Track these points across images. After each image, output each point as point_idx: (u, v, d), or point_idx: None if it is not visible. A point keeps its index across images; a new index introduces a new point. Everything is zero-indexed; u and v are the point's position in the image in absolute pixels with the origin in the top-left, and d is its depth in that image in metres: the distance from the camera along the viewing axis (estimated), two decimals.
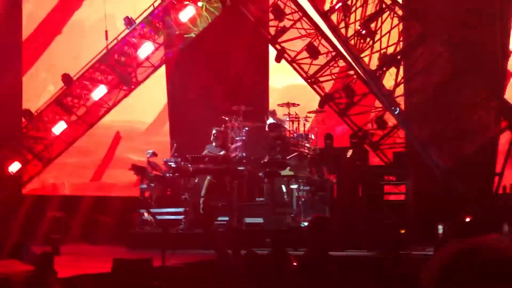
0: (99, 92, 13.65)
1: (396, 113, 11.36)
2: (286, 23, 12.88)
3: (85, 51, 13.92)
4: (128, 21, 13.42)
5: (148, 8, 13.55)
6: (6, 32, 13.86)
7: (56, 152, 13.77)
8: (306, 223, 10.58)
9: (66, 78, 13.34)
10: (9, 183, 13.06)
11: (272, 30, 13.15)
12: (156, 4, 13.58)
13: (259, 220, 10.92)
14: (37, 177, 13.85)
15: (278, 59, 13.03)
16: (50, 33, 14.61)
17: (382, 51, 11.37)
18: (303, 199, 10.94)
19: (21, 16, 14.14)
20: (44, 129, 13.62)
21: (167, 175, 11.80)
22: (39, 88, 14.45)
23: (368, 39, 11.48)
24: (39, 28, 14.56)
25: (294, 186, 11.09)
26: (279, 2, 12.84)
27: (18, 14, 14.03)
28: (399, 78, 11.23)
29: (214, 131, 11.53)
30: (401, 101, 11.52)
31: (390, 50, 11.32)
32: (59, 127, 13.56)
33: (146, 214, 11.25)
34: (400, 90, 11.43)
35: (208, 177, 11.18)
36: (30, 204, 12.48)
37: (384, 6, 11.45)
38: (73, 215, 12.75)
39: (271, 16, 12.95)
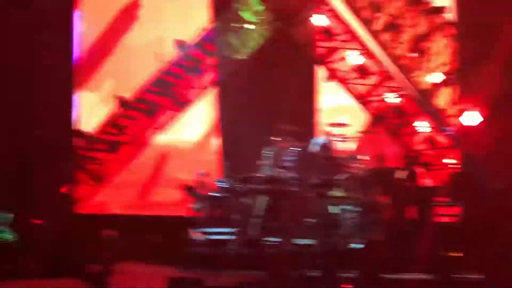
0: (152, 113, 13.90)
1: (449, 133, 11.18)
2: (336, 43, 12.89)
3: (137, 73, 14.20)
4: (180, 44, 13.67)
5: (199, 31, 13.77)
6: (60, 53, 14.26)
7: (108, 172, 14.03)
8: (357, 245, 10.46)
9: (119, 99, 13.65)
10: (63, 202, 13.36)
11: (321, 51, 13.18)
12: (206, 27, 13.81)
13: (310, 241, 10.83)
14: (89, 197, 14.11)
15: (327, 79, 13.03)
16: (102, 54, 14.97)
17: (434, 71, 11.25)
18: (354, 221, 10.81)
19: (73, 37, 14.52)
20: (97, 149, 13.92)
21: (218, 195, 11.85)
22: (92, 109, 14.78)
23: (419, 59, 11.39)
24: (91, 49, 14.95)
25: (345, 208, 10.98)
26: (329, 23, 12.87)
27: (70, 35, 14.41)
28: (452, 97, 11.07)
29: (265, 152, 11.56)
30: (454, 121, 11.35)
31: (443, 69, 11.19)
32: (112, 148, 13.84)
33: (197, 234, 11.30)
34: (453, 110, 11.27)
35: (264, 198, 11.10)
36: (83, 224, 12.71)
37: (436, 25, 11.35)
38: (125, 234, 12.91)
39: (320, 36, 12.98)
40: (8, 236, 10.69)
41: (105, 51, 15.02)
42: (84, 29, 14.93)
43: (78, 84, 14.61)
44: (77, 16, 14.59)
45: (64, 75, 14.18)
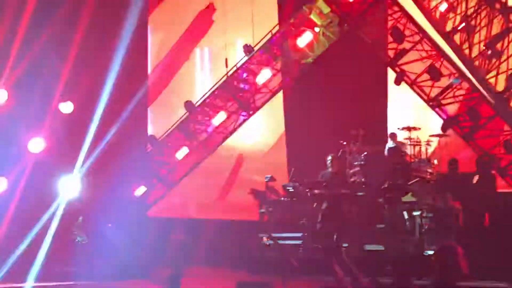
0: (219, 118, 14.04)
1: None
2: (406, 45, 12.62)
3: (208, 77, 14.40)
4: (247, 49, 13.74)
5: (267, 35, 13.80)
6: (134, 61, 14.62)
7: (178, 176, 14.28)
8: (429, 252, 10.21)
9: (188, 105, 13.85)
10: (135, 206, 13.67)
11: (391, 53, 12.93)
12: (274, 31, 13.82)
13: (380, 247, 10.65)
14: (161, 200, 14.39)
15: (397, 82, 12.77)
16: (179, 60, 15.26)
17: (509, 72, 10.84)
18: (426, 227, 10.56)
19: (147, 46, 14.88)
20: (168, 154, 14.17)
21: (285, 199, 11.84)
22: (167, 113, 15.07)
23: (494, 60, 11.00)
24: (168, 54, 15.26)
25: (416, 213, 10.74)
26: (398, 24, 12.62)
27: (144, 45, 14.79)
28: None
29: (329, 158, 11.45)
30: None
31: None
32: (181, 152, 14.07)
33: (265, 239, 11.33)
34: None
35: (325, 203, 11.04)
36: (155, 227, 12.96)
37: (511, 25, 10.94)
38: (196, 237, 13.08)
39: (390, 38, 12.74)
40: (79, 237, 11.04)
41: (180, 58, 15.32)
42: (163, 36, 15.26)
43: (152, 91, 14.99)
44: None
45: (139, 83, 14.56)
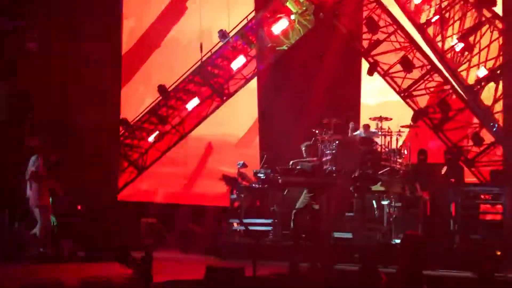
0: (192, 103, 14.00)
1: (494, 129, 10.96)
2: (380, 36, 12.74)
3: (181, 64, 14.32)
4: (222, 34, 13.70)
5: (242, 21, 13.78)
6: (107, 46, 14.49)
7: (150, 160, 14.22)
8: (397, 240, 10.37)
9: (162, 89, 13.78)
10: (106, 189, 13.59)
11: (365, 43, 13.04)
12: (249, 18, 13.80)
13: (348, 235, 10.79)
14: (131, 184, 14.32)
15: (370, 72, 12.90)
16: (149, 47, 15.15)
17: (480, 65, 11.02)
18: (394, 216, 10.71)
19: (121, 31, 14.75)
20: (140, 138, 14.10)
21: (257, 186, 11.89)
22: (137, 99, 14.99)
23: (466, 53, 11.17)
24: (139, 42, 15.14)
25: (385, 202, 10.88)
26: (373, 15, 12.72)
27: (118, 30, 14.66)
28: (498, 93, 10.84)
29: (303, 147, 11.51)
30: (499, 117, 11.11)
31: (489, 64, 10.96)
32: (153, 136, 14.00)
33: (235, 224, 11.38)
34: (499, 106, 11.04)
35: (305, 191, 11.07)
36: (125, 210, 12.92)
37: (483, 19, 11.11)
38: (166, 222, 13.08)
39: (364, 29, 12.84)
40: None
41: (153, 44, 15.21)
42: (134, 24, 15.14)
43: (125, 75, 14.86)
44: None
45: (112, 66, 14.44)
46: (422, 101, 12.98)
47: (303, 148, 11.50)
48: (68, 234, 10.20)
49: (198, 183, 14.73)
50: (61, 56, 13.15)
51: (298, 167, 11.28)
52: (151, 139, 14.01)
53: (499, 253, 10.40)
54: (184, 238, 12.58)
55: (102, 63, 14.06)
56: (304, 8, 13.54)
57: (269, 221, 11.21)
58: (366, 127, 12.07)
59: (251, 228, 10.99)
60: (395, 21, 12.65)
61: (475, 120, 12.38)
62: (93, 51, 13.88)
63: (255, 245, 7.34)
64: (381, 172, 11.21)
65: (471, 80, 11.15)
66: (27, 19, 12.70)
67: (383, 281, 6.06)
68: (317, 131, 12.14)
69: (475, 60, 11.08)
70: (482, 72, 10.86)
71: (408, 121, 12.42)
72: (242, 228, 10.95)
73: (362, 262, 7.92)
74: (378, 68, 12.86)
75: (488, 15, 11.12)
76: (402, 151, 11.92)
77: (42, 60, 12.69)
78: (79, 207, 11.71)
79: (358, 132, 12.21)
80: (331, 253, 8.28)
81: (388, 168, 11.29)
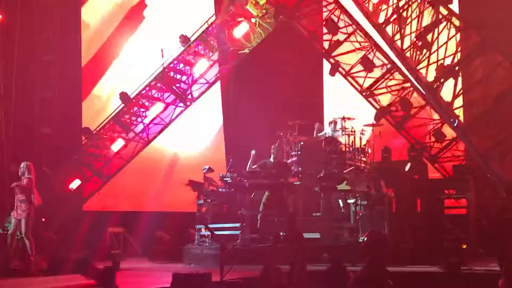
0: (155, 109, 13.88)
1: (455, 125, 11.10)
2: (340, 36, 12.83)
3: (141, 72, 14.21)
4: (183, 39, 13.63)
5: (203, 25, 13.73)
6: (67, 56, 14.34)
7: (114, 169, 14.04)
8: (364, 238, 10.43)
9: (123, 96, 13.61)
10: (70, 199, 13.39)
11: (326, 44, 13.12)
12: (210, 22, 13.76)
13: (316, 235, 10.82)
14: (97, 194, 14.13)
15: (332, 73, 12.98)
16: (109, 58, 15.03)
17: (439, 63, 11.17)
18: (360, 214, 10.79)
19: (81, 42, 14.60)
20: (103, 147, 13.91)
21: (223, 190, 11.85)
22: (98, 108, 14.83)
23: (424, 51, 11.30)
24: (98, 53, 15.00)
25: (351, 201, 10.96)
26: (332, 16, 12.80)
27: (77, 40, 14.52)
28: (458, 89, 10.99)
29: (273, 148, 11.61)
30: (460, 112, 11.27)
31: (448, 61, 11.10)
32: (117, 145, 13.84)
33: (203, 230, 11.31)
34: (458, 101, 11.19)
35: (267, 193, 11.16)
36: (91, 220, 12.74)
37: (440, 16, 11.26)
38: (132, 230, 12.95)
39: (324, 30, 12.92)
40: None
41: (112, 53, 15.07)
42: (92, 35, 14.99)
43: (86, 85, 14.69)
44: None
45: (73, 77, 14.28)
46: (384, 100, 13.12)
47: (273, 150, 11.58)
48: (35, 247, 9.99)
49: (165, 191, 14.61)
50: (21, 66, 12.97)
51: (259, 163, 11.32)
52: (114, 147, 13.83)
53: (464, 246, 10.57)
54: (152, 245, 12.46)
55: (63, 73, 13.92)
56: (265, 11, 13.56)
57: (237, 225, 11.17)
58: (334, 123, 12.11)
59: (219, 232, 10.93)
60: (354, 21, 12.76)
61: (436, 117, 12.54)
62: (54, 62, 13.73)
63: (221, 250, 7.30)
64: (346, 171, 11.28)
65: (430, 77, 11.29)
66: None
67: (350, 279, 6.08)
68: (281, 133, 12.17)
69: (433, 58, 11.22)
70: (440, 69, 10.98)
71: (370, 120, 12.54)
72: (210, 233, 10.87)
73: (330, 261, 7.93)
74: (340, 69, 12.94)
75: (445, 12, 11.28)
76: (366, 150, 12.02)
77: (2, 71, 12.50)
78: (43, 219, 11.51)
79: (323, 132, 12.28)
80: (305, 254, 8.26)
81: (353, 167, 11.37)
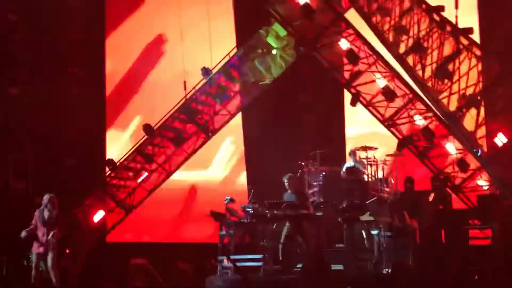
0: (178, 141, 13.99)
1: (478, 154, 11.04)
2: (361, 66, 12.88)
3: (163, 104, 14.37)
4: (205, 71, 13.79)
5: (224, 57, 13.90)
6: (90, 85, 14.60)
7: (137, 200, 14.13)
8: (388, 270, 10.32)
9: (147, 128, 13.77)
10: (94, 231, 13.48)
11: (346, 74, 13.18)
12: (232, 54, 13.93)
13: (339, 266, 10.73)
14: (120, 225, 14.20)
15: (353, 103, 13.00)
16: (130, 91, 15.25)
17: (461, 92, 11.16)
18: (384, 245, 10.68)
19: (105, 74, 14.86)
20: (126, 178, 14.04)
21: (245, 221, 11.83)
22: (121, 141, 15.01)
23: (446, 80, 11.30)
24: (118, 85, 15.24)
25: (374, 232, 10.87)
26: (353, 47, 12.88)
27: (101, 72, 14.80)
28: (480, 119, 10.96)
29: (285, 179, 11.47)
30: (483, 142, 11.22)
31: (470, 91, 11.10)
32: (141, 175, 13.95)
33: (226, 261, 11.27)
34: (481, 131, 11.15)
35: (287, 224, 11.11)
36: (115, 252, 12.79)
37: (461, 46, 11.29)
38: (154, 261, 12.95)
39: (345, 60, 12.98)
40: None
41: (133, 87, 15.31)
42: (113, 67, 15.26)
43: (108, 118, 14.91)
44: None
45: (96, 110, 14.51)
46: (406, 130, 13.08)
47: (285, 181, 11.48)
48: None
49: (186, 224, 14.64)
50: (45, 100, 13.21)
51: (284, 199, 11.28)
52: (138, 178, 13.95)
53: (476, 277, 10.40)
54: (173, 276, 12.45)
55: (87, 106, 14.14)
56: (285, 42, 13.69)
57: (260, 256, 11.12)
58: (354, 153, 12.09)
59: (242, 264, 10.89)
60: (374, 51, 12.82)
61: (459, 146, 12.47)
62: (78, 95, 13.97)
63: (244, 281, 7.29)
64: (369, 201, 11.22)
65: (452, 107, 11.28)
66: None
67: None
68: (303, 163, 12.16)
69: (455, 87, 11.22)
70: (463, 98, 10.98)
71: (393, 150, 12.50)
72: (231, 264, 10.84)
73: None
74: (361, 99, 12.97)
75: (466, 42, 11.31)
76: (389, 180, 11.96)
77: (25, 105, 12.76)
78: (67, 251, 11.59)
79: (347, 163, 12.27)
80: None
81: (376, 198, 11.31)
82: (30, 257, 10.21)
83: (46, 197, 9.50)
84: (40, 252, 9.24)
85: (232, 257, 10.27)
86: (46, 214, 9.36)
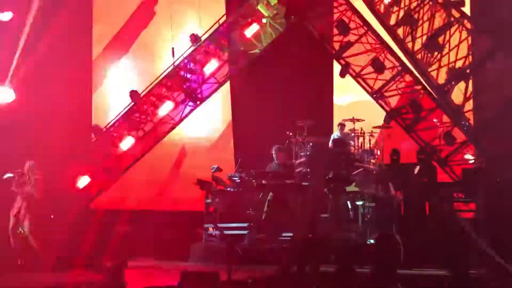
0: (165, 108, 13.89)
1: (465, 128, 11.07)
2: (351, 37, 12.80)
3: (152, 69, 14.23)
4: (194, 38, 13.64)
5: (214, 25, 13.74)
6: (77, 52, 14.38)
7: (123, 167, 14.06)
8: (372, 240, 10.41)
9: (133, 94, 13.63)
10: (79, 197, 13.42)
11: (336, 45, 13.10)
12: (221, 21, 13.77)
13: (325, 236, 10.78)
14: (105, 192, 14.17)
15: (342, 74, 12.95)
16: (118, 53, 15.05)
17: (450, 65, 11.14)
18: (368, 216, 10.77)
19: (91, 37, 14.64)
20: (112, 145, 13.94)
21: (231, 190, 11.85)
22: (108, 105, 14.86)
23: (435, 53, 11.27)
24: (107, 47, 15.03)
25: (359, 203, 10.94)
26: (344, 17, 12.78)
27: (88, 35, 14.56)
28: (468, 92, 10.96)
29: (273, 150, 11.50)
30: (470, 116, 11.24)
31: (459, 64, 11.08)
32: (126, 143, 13.86)
33: (211, 229, 11.32)
34: (469, 104, 11.16)
35: (271, 194, 11.15)
36: (99, 218, 12.77)
37: (452, 19, 11.23)
38: (140, 229, 12.97)
39: (335, 31, 12.90)
40: (20, 228, 10.78)
41: (122, 49, 15.11)
42: (102, 29, 15.03)
43: (94, 81, 14.74)
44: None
45: (81, 73, 14.32)
46: (394, 102, 13.07)
47: (274, 151, 11.51)
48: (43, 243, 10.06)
49: (173, 188, 14.64)
50: (33, 63, 13.03)
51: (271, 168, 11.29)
52: (123, 145, 13.85)
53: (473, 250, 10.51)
54: (158, 243, 12.48)
55: (73, 68, 13.95)
56: (276, 11, 13.55)
57: (245, 224, 11.18)
58: (342, 126, 12.10)
59: (226, 232, 10.93)
60: (365, 22, 12.73)
61: (447, 119, 12.49)
62: (64, 57, 13.77)
63: (229, 249, 7.31)
64: (354, 172, 11.26)
65: (441, 80, 11.25)
66: None
67: (359, 282, 6.07)
68: (290, 134, 12.16)
69: (445, 60, 11.18)
70: (452, 71, 10.96)
71: (380, 122, 12.50)
72: (218, 232, 10.89)
73: (338, 262, 7.92)
74: (350, 70, 12.91)
75: (457, 15, 11.25)
76: (375, 152, 12.00)
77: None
78: (52, 216, 11.56)
79: (335, 134, 12.29)
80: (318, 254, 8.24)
81: (362, 169, 11.35)
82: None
83: (28, 164, 9.47)
84: (16, 216, 9.25)
85: (218, 225, 10.30)
86: (26, 181, 9.35)
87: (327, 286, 6.73)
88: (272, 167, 11.52)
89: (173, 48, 13.56)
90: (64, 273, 7.62)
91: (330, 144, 12.20)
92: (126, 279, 6.19)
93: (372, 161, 11.82)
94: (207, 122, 15.29)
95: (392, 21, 12.01)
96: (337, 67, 13.54)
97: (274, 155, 11.55)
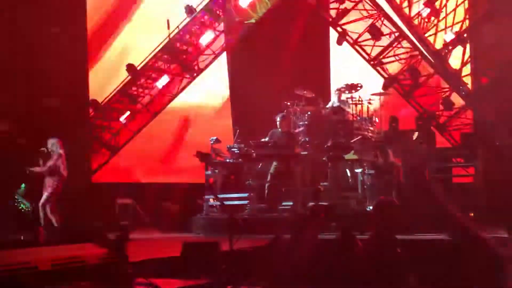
0: (162, 81, 13.86)
1: (463, 93, 11.05)
2: (347, 5, 12.71)
3: (147, 41, 14.10)
4: (189, 10, 13.54)
5: None
6: (71, 24, 14.21)
7: (123, 141, 14.09)
8: (371, 207, 10.47)
9: (130, 68, 13.59)
10: (79, 172, 13.44)
11: (333, 13, 13.00)
12: None
13: (324, 204, 10.84)
14: (105, 166, 14.20)
15: (339, 42, 12.89)
16: (114, 27, 14.89)
17: (447, 30, 11.08)
18: (368, 183, 10.80)
19: (86, 7, 14.45)
20: (110, 119, 13.94)
21: (231, 161, 11.88)
22: (105, 79, 14.78)
23: (432, 18, 11.19)
24: (103, 20, 14.87)
25: (358, 170, 10.96)
26: None
27: (82, 6, 14.36)
28: (466, 57, 10.91)
29: (278, 118, 11.48)
30: (468, 80, 11.21)
31: (456, 28, 11.01)
32: (125, 116, 13.86)
33: (212, 200, 11.37)
34: (467, 69, 11.12)
35: (274, 163, 11.14)
36: (100, 192, 12.83)
37: None
38: (141, 201, 13.04)
39: None
40: (24, 205, 10.86)
41: (116, 22, 14.95)
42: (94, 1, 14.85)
43: (91, 55, 14.60)
44: None
45: (77, 46, 14.16)
46: (392, 68, 13.03)
47: (278, 119, 11.49)
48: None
49: (176, 156, 14.63)
50: (24, 36, 12.89)
51: (269, 134, 11.29)
52: (122, 119, 13.85)
53: (471, 214, 10.58)
54: (159, 215, 12.57)
55: (68, 42, 13.81)
56: None
57: (245, 195, 11.22)
58: (339, 92, 12.05)
59: (228, 202, 10.98)
60: None
61: (445, 85, 12.47)
62: (58, 30, 13.62)
63: (230, 220, 7.36)
64: (353, 140, 11.27)
65: (438, 45, 11.20)
66: None
67: (359, 248, 6.11)
68: (289, 103, 12.14)
69: (442, 25, 11.12)
70: (449, 36, 10.90)
71: (378, 89, 12.47)
72: (218, 203, 10.94)
73: (338, 230, 7.98)
74: (347, 37, 12.84)
75: None
76: (374, 119, 11.98)
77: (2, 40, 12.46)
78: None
79: (331, 102, 12.25)
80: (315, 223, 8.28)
81: (360, 136, 11.35)
82: (17, 197, 10.25)
83: (52, 141, 9.56)
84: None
85: (219, 196, 10.35)
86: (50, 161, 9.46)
87: (328, 253, 6.78)
88: (276, 134, 11.51)
89: (168, 20, 13.45)
90: (68, 245, 7.67)
91: (327, 112, 12.17)
92: (128, 251, 6.25)
93: (371, 128, 11.82)
94: (210, 89, 15.17)
95: None
96: (333, 35, 13.45)
97: (278, 123, 11.55)
